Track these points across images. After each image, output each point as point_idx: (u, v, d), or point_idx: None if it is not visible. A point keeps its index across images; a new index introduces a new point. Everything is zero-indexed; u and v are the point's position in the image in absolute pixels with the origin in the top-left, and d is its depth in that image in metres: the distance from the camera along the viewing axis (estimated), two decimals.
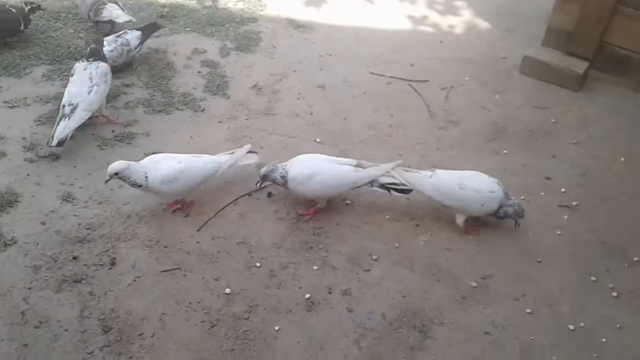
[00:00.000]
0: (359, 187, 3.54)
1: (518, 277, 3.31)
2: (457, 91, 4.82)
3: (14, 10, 4.78)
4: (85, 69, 3.97)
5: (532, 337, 2.99)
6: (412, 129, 4.35)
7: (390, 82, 4.86)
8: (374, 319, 3.03)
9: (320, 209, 3.59)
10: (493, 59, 5.25)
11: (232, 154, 3.62)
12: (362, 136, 4.25)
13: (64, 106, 3.83)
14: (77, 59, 4.47)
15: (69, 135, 3.75)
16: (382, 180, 3.51)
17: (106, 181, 3.27)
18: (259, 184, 3.57)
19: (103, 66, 4.04)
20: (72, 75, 4.00)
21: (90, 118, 3.94)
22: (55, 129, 3.73)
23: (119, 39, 4.56)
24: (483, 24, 5.81)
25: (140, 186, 3.30)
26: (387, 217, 3.61)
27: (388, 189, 3.53)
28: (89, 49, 4.10)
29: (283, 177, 3.46)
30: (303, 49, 5.22)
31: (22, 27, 4.85)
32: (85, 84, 3.90)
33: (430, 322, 3.04)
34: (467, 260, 3.37)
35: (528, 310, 3.12)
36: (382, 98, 4.67)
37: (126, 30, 4.69)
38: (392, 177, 3.53)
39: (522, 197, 3.80)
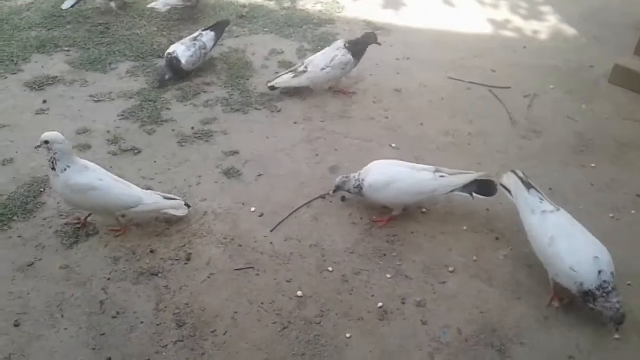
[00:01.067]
0: (438, 195, 3.43)
1: None
2: (541, 99, 4.61)
3: None
4: (337, 49, 4.41)
5: None
6: (492, 137, 4.19)
7: (470, 87, 4.72)
8: (450, 333, 2.91)
9: (394, 216, 3.50)
10: (580, 67, 5.00)
11: (167, 198, 3.30)
12: (439, 143, 4.13)
13: (301, 65, 4.42)
14: (159, 56, 4.60)
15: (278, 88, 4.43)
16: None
17: (36, 147, 3.04)
18: (332, 194, 3.54)
19: (347, 58, 4.39)
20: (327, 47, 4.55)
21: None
22: (279, 77, 4.40)
23: (197, 43, 4.59)
24: (570, 31, 5.55)
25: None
26: (465, 228, 3.48)
27: (470, 193, 3.40)
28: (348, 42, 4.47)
29: (357, 187, 3.39)
30: (380, 51, 5.11)
31: None
32: (324, 61, 4.37)
33: (510, 341, 2.89)
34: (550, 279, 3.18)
35: (616, 336, 2.91)
36: (461, 104, 4.53)
37: (201, 32, 4.72)
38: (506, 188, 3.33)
39: (611, 215, 3.58)
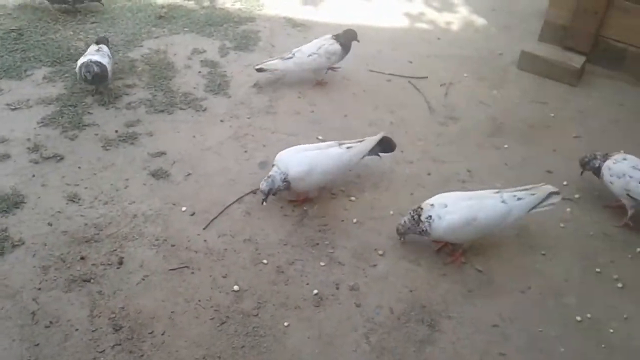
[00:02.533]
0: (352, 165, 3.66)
1: (523, 270, 3.35)
2: (456, 87, 4.85)
3: None
4: (325, 39, 4.61)
5: (540, 329, 3.03)
6: (412, 125, 4.38)
7: (390, 79, 4.89)
8: (382, 313, 3.06)
9: (310, 197, 3.67)
10: (490, 55, 5.29)
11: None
12: (363, 133, 4.22)
13: (290, 53, 4.59)
14: (77, 60, 4.49)
15: (270, 71, 4.61)
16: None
17: None
18: (264, 203, 3.47)
19: (334, 47, 4.57)
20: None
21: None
22: (268, 61, 4.58)
23: (104, 52, 4.37)
24: (479, 21, 5.85)
25: None
26: (391, 212, 3.64)
27: (377, 154, 3.72)
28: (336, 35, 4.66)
29: (284, 180, 3.42)
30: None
31: None
32: (311, 49, 4.55)
33: (438, 315, 3.07)
34: (472, 254, 3.40)
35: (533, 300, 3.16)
36: (381, 95, 4.70)
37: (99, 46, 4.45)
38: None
39: None
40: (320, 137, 4.18)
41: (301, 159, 3.51)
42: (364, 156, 3.68)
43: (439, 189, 3.75)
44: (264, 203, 3.47)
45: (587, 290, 3.23)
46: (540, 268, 3.36)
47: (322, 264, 3.29)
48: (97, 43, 4.52)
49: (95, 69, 4.13)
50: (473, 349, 2.93)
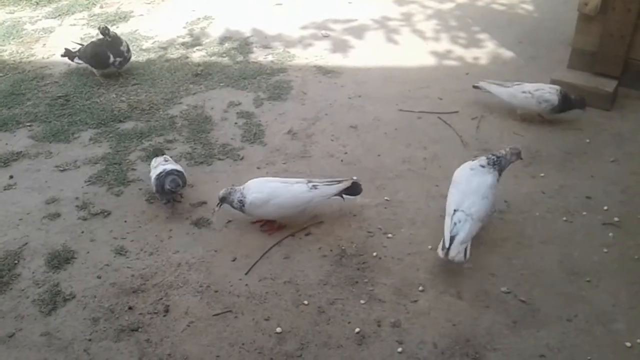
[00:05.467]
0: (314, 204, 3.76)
1: (568, 297, 3.28)
2: (487, 120, 4.88)
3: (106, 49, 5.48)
4: (551, 87, 4.68)
5: (589, 357, 2.95)
6: (446, 159, 4.41)
7: (421, 116, 4.97)
8: (426, 348, 3.04)
9: (280, 226, 3.80)
10: None
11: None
12: (397, 171, 4.34)
13: (511, 83, 4.87)
14: (120, 121, 4.76)
15: (484, 91, 4.98)
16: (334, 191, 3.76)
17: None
18: (217, 207, 3.72)
19: (553, 98, 4.61)
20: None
21: None
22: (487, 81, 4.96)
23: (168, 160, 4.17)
24: (507, 54, 5.90)
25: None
26: (430, 247, 3.65)
27: (341, 195, 3.77)
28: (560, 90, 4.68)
29: (240, 201, 3.65)
30: (333, 92, 5.40)
31: (110, 60, 5.52)
32: (530, 88, 4.72)
33: (483, 348, 3.03)
34: (513, 285, 3.36)
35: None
36: (413, 133, 4.77)
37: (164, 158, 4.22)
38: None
39: (564, 219, 3.80)
40: (354, 178, 4.24)
41: (262, 187, 3.70)
42: (329, 197, 3.77)
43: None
44: (215, 209, 3.73)
45: (636, 315, 3.13)
46: (586, 295, 3.29)
47: (362, 302, 3.31)
48: (157, 155, 4.21)
49: (179, 181, 3.80)
50: None
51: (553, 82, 5.02)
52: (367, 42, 6.25)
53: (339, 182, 3.78)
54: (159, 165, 4.00)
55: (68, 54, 5.76)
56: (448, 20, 6.60)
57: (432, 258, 3.56)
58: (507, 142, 4.57)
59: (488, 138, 4.64)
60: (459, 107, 5.03)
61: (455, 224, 3.40)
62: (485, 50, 5.98)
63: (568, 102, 4.61)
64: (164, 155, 4.25)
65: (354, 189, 3.83)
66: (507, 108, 4.94)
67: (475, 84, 4.98)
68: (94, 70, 5.71)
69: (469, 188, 3.54)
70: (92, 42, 5.73)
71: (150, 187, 3.98)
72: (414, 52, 6.01)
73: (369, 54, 6.01)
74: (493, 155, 3.69)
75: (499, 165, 3.65)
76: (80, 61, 5.73)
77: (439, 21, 6.59)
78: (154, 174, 3.94)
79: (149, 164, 4.21)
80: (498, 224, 3.79)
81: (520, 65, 5.66)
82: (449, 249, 3.33)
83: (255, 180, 3.82)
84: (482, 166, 3.63)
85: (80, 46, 5.81)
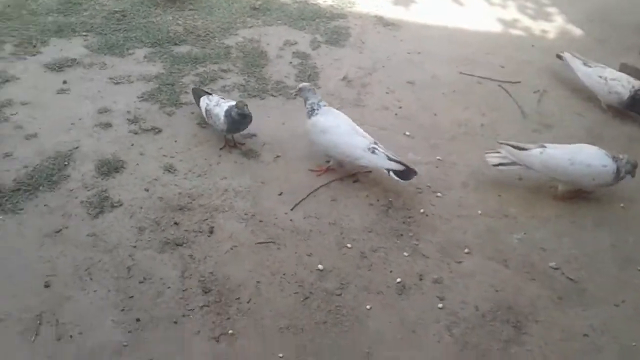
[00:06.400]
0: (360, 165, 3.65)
1: (617, 282, 3.20)
2: (550, 96, 4.72)
3: None
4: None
5: (634, 344, 2.87)
6: (504, 128, 4.29)
7: (481, 82, 4.82)
8: (467, 309, 2.99)
9: (331, 168, 3.73)
10: None
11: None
12: (453, 132, 4.22)
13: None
14: (176, 44, 4.69)
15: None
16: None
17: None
18: (293, 93, 3.88)
19: (622, 91, 4.39)
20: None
21: None
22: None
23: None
24: (576, 31, 5.68)
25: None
26: (479, 212, 3.57)
27: (389, 171, 3.54)
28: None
29: (313, 109, 3.70)
30: (391, 45, 5.25)
31: None
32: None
33: (525, 318, 2.97)
34: (563, 261, 3.28)
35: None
36: (472, 97, 4.63)
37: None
38: (501, 155, 3.65)
39: (622, 205, 3.69)
40: (407, 133, 4.17)
41: (333, 117, 3.70)
42: (378, 167, 3.60)
43: (530, 195, 3.68)
44: (293, 93, 3.96)
45: None
46: (637, 282, 3.20)
47: (405, 254, 3.26)
48: (200, 95, 3.99)
49: (246, 110, 3.68)
50: (562, 355, 2.81)
51: (622, 66, 4.82)
52: None
53: (398, 162, 3.51)
54: (221, 103, 3.79)
55: None
56: None
57: (481, 223, 3.48)
58: (569, 121, 4.44)
59: (549, 114, 4.50)
60: (522, 78, 4.86)
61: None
62: (554, 25, 5.76)
63: (637, 104, 4.38)
64: (213, 95, 3.95)
65: (405, 174, 3.52)
66: (572, 86, 4.76)
67: (560, 53, 4.80)
68: None
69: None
70: None
71: (213, 123, 3.80)
72: (479, 15, 5.81)
73: (432, 10, 5.83)
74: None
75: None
76: None
77: None
78: (220, 110, 3.72)
79: (198, 104, 3.97)
80: (553, 201, 3.67)
81: (588, 45, 5.44)
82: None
83: (332, 108, 3.79)
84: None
85: None
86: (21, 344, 2.61)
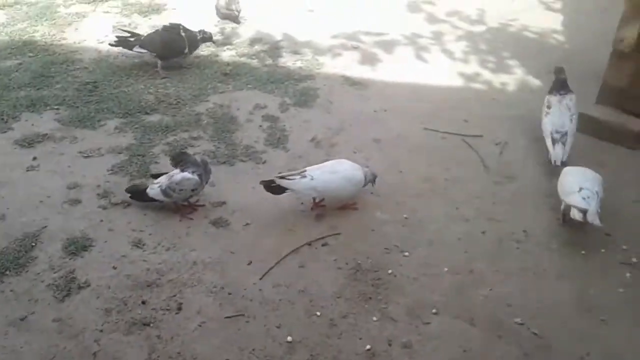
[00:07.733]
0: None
1: (582, 334, 3.25)
2: (511, 147, 4.86)
3: (182, 34, 5.59)
4: (560, 102, 4.69)
5: None
6: (467, 183, 4.40)
7: (445, 137, 4.96)
8: None
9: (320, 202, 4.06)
10: None
11: None
12: (418, 189, 4.32)
13: (551, 134, 4.56)
14: (147, 113, 4.77)
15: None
16: None
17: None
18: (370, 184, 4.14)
19: (574, 97, 4.72)
20: (549, 107, 4.72)
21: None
22: (553, 152, 4.48)
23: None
24: (535, 82, 5.89)
25: None
26: (446, 269, 3.63)
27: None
28: None
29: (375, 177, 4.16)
30: (358, 104, 5.41)
31: (186, 51, 5.61)
32: (565, 115, 4.62)
33: None
34: (528, 317, 3.34)
35: None
36: (436, 153, 4.76)
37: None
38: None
39: (583, 252, 3.78)
40: (372, 193, 4.25)
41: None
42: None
43: (494, 248, 3.76)
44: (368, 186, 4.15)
45: None
46: (600, 334, 3.26)
47: (374, 319, 3.29)
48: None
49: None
50: None
51: (580, 115, 5.00)
52: (396, 57, 6.27)
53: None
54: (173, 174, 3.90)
55: (122, 43, 5.63)
56: (478, 43, 6.61)
57: (447, 281, 3.54)
58: (530, 170, 4.57)
59: (511, 165, 4.63)
60: (484, 132, 5.01)
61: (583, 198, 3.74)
62: (514, 77, 5.97)
63: None
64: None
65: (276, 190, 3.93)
66: (533, 136, 4.91)
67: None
68: (158, 61, 5.66)
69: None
70: (158, 30, 5.69)
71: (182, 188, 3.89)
72: (442, 71, 6.01)
73: (398, 68, 6.02)
74: None
75: None
76: (141, 50, 5.60)
77: (469, 43, 6.60)
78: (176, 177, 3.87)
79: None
80: (516, 253, 3.77)
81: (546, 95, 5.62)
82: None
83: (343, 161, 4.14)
84: None
85: (129, 34, 5.72)
86: None
